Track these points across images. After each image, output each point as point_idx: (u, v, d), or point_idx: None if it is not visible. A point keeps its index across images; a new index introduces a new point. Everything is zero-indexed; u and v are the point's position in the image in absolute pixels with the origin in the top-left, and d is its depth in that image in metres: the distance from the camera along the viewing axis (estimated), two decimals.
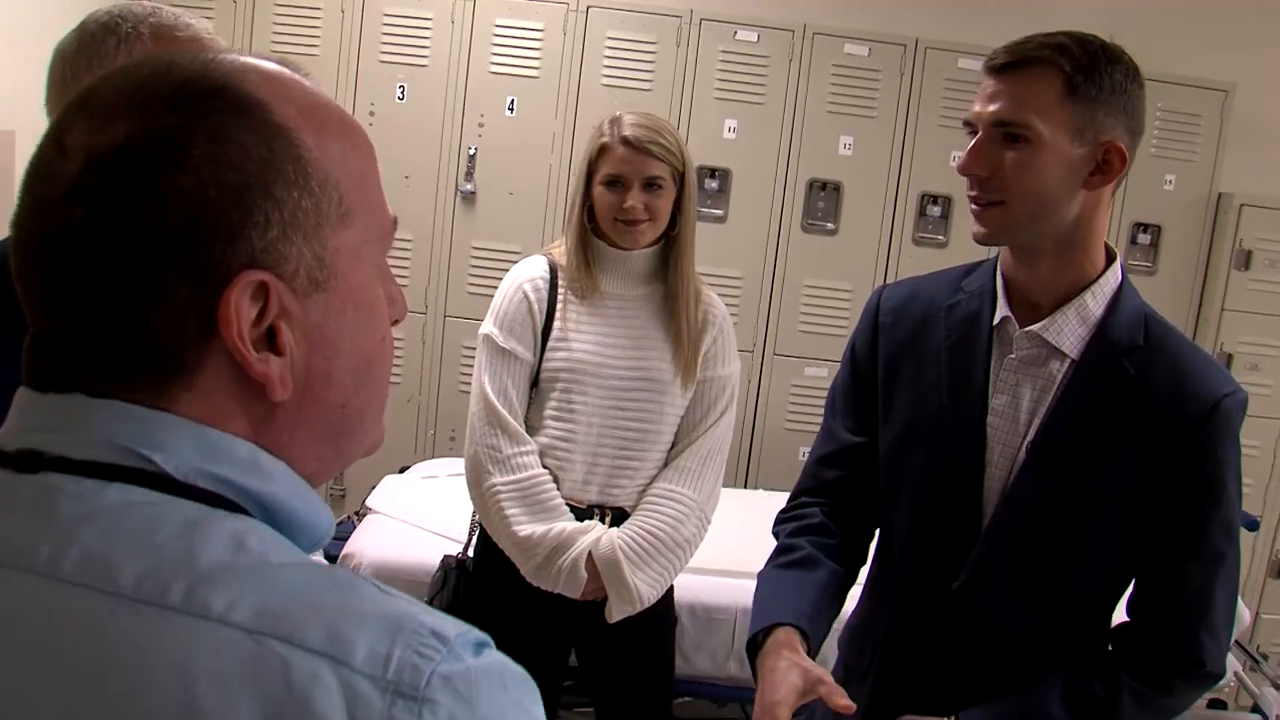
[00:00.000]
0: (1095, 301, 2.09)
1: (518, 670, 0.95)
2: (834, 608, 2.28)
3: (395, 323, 1.11)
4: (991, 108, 1.98)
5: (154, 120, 0.91)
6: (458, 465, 3.42)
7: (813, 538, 2.33)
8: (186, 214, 0.89)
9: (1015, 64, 1.97)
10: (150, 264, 0.90)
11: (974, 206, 2.04)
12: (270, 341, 0.95)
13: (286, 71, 1.00)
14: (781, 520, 2.44)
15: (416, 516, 4.06)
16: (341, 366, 1.01)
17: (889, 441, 2.27)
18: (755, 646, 2.17)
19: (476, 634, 0.93)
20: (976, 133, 2.01)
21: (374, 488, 4.48)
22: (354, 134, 1.02)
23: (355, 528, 4.15)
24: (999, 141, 1.98)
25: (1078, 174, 1.99)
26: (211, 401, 0.95)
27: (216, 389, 0.95)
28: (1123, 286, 2.12)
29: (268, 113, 0.94)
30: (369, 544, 3.90)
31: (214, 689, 0.83)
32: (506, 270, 3.23)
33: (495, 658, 0.93)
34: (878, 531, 2.36)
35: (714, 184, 5.13)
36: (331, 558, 3.94)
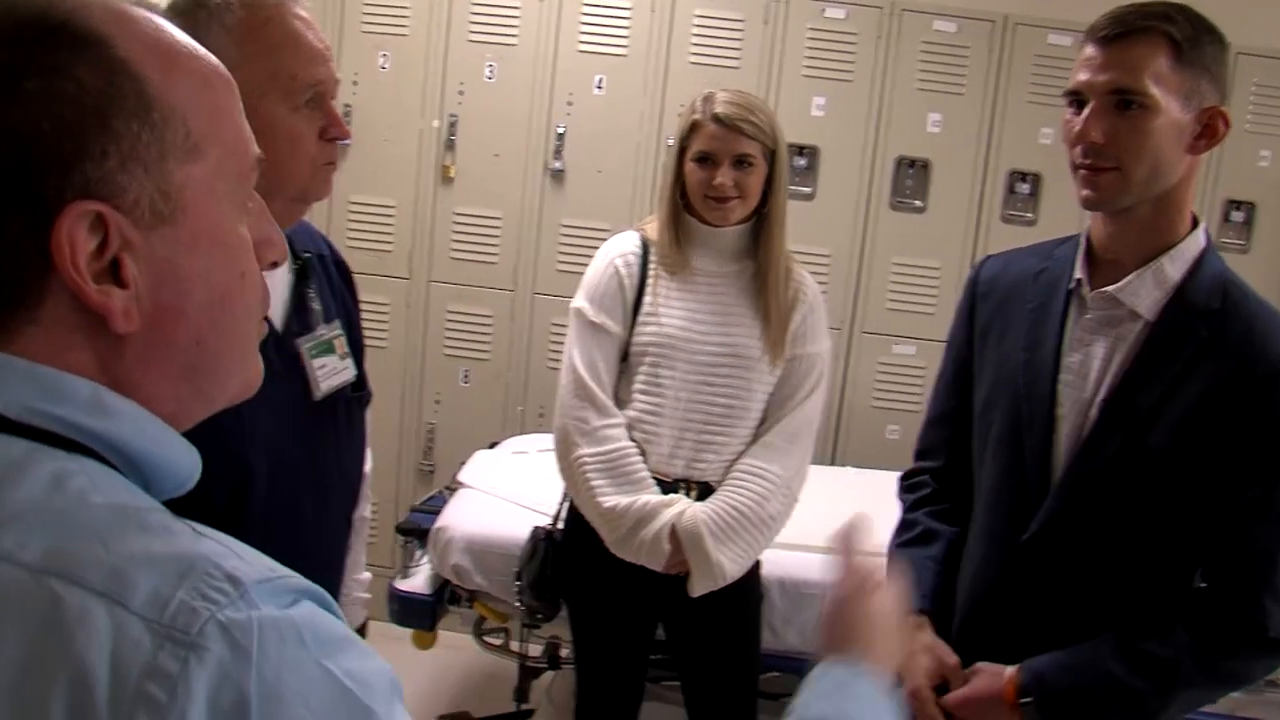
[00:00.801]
0: (1173, 266, 2.13)
1: (332, 628, 0.91)
2: (954, 573, 2.42)
3: (274, 265, 1.12)
4: (1103, 77, 2.04)
5: None
6: (548, 441, 3.45)
7: (927, 509, 2.51)
8: (17, 146, 0.91)
9: (1125, 34, 2.03)
10: None
11: (1084, 173, 2.09)
12: (115, 275, 0.96)
13: (137, 9, 1.01)
14: (903, 488, 2.62)
15: (507, 491, 4.09)
16: (194, 302, 1.01)
17: (979, 402, 2.37)
18: None
19: (295, 583, 0.91)
20: (1082, 103, 2.07)
21: (464, 463, 4.53)
22: (207, 70, 1.04)
23: (446, 502, 4.19)
24: (1113, 110, 2.03)
25: (1185, 139, 2.06)
26: (55, 335, 0.96)
27: (60, 322, 0.95)
28: (1205, 252, 2.17)
29: (110, 48, 0.95)
30: (460, 517, 3.94)
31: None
32: (595, 248, 3.29)
33: (302, 611, 0.89)
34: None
35: (802, 162, 5.11)
36: (423, 531, 3.99)
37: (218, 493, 1.82)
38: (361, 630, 2.53)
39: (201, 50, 1.05)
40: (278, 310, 2.10)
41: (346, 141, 2.07)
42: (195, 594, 0.84)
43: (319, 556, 2.18)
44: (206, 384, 1.06)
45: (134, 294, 0.97)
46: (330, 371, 2.16)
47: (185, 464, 1.05)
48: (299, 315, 2.15)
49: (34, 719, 0.83)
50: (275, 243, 1.11)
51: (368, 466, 2.48)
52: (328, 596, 0.94)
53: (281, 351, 2.08)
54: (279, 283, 2.11)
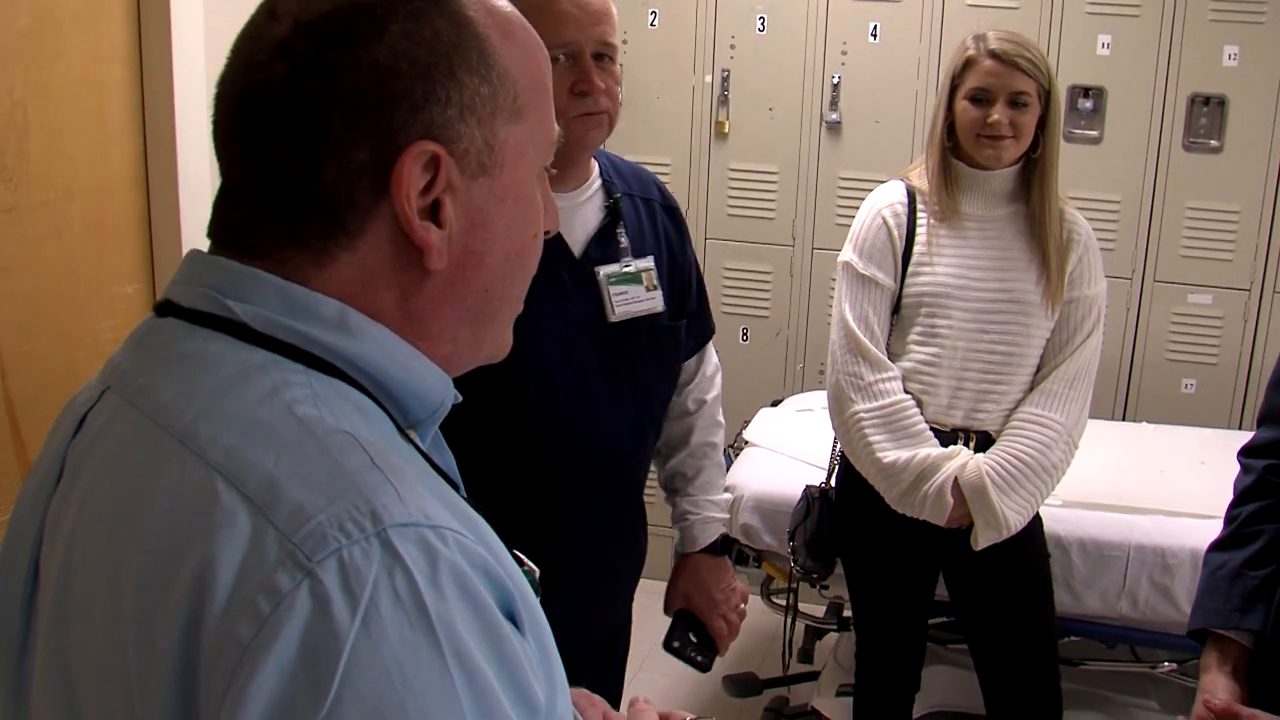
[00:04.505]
0: None
1: (472, 606, 0.89)
2: (1272, 578, 2.15)
3: (546, 234, 1.19)
4: None
5: None
6: None
7: (1253, 504, 2.22)
8: (376, 81, 1.00)
9: None
10: (337, 122, 1.00)
11: None
12: (434, 216, 1.04)
13: None
14: (1241, 467, 2.31)
15: (795, 449, 4.07)
16: (494, 252, 1.10)
17: None
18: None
19: (445, 537, 0.90)
20: None
21: (747, 422, 4.50)
22: (536, 47, 1.13)
23: (732, 461, 4.17)
24: None
25: None
26: (368, 264, 1.04)
27: (374, 252, 1.04)
28: None
29: (461, 8, 1.05)
30: (748, 477, 3.93)
31: (164, 505, 0.92)
32: None
33: (438, 576, 0.88)
34: None
35: (1088, 104, 4.91)
36: None
37: (494, 402, 2.12)
38: (725, 546, 2.79)
39: (530, 26, 1.14)
40: (579, 241, 2.41)
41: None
42: (333, 522, 0.87)
43: (614, 448, 2.47)
44: (483, 332, 1.14)
45: (448, 235, 1.05)
46: (630, 299, 2.43)
47: (434, 388, 1.11)
48: (602, 247, 2.44)
49: (160, 594, 0.89)
50: (551, 215, 1.19)
51: (708, 395, 2.75)
52: (496, 570, 0.94)
53: (577, 276, 2.40)
54: (588, 218, 2.45)
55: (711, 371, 2.77)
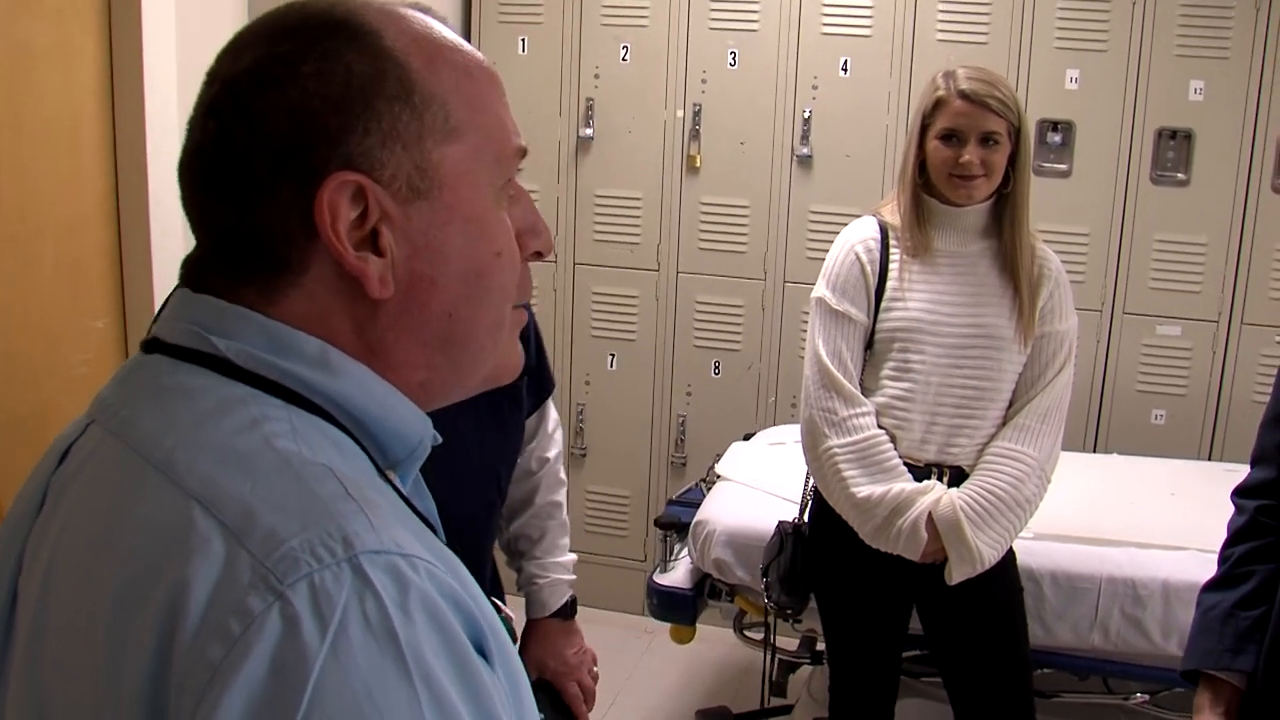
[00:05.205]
0: None
1: (442, 636, 0.89)
2: (1263, 618, 2.14)
3: (538, 255, 1.19)
4: None
5: (275, 47, 1.05)
6: None
7: (1245, 545, 2.21)
8: (293, 122, 1.02)
9: None
10: (263, 167, 1.03)
11: None
12: (374, 245, 1.05)
13: (410, 11, 1.12)
14: (1235, 508, 2.29)
15: (767, 483, 4.05)
16: (448, 274, 1.08)
17: None
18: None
19: (415, 565, 0.91)
20: None
21: (719, 455, 4.50)
22: (472, 66, 1.12)
23: (704, 495, 4.17)
24: None
25: None
26: (316, 298, 1.05)
27: (321, 286, 1.05)
28: None
29: (378, 39, 1.06)
30: (720, 511, 3.92)
31: (141, 531, 0.94)
32: None
33: (409, 604, 0.88)
34: None
35: (1056, 138, 4.94)
36: (682, 525, 3.98)
37: None
38: (569, 610, 2.65)
39: (468, 47, 1.14)
40: None
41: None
42: (305, 546, 0.88)
43: (458, 536, 2.27)
44: (460, 357, 1.13)
45: (389, 262, 1.05)
46: None
47: (413, 427, 1.12)
48: None
49: (134, 616, 0.89)
50: (540, 233, 1.19)
51: (550, 453, 2.64)
52: (467, 602, 0.94)
53: None
54: None
55: (552, 428, 2.67)
